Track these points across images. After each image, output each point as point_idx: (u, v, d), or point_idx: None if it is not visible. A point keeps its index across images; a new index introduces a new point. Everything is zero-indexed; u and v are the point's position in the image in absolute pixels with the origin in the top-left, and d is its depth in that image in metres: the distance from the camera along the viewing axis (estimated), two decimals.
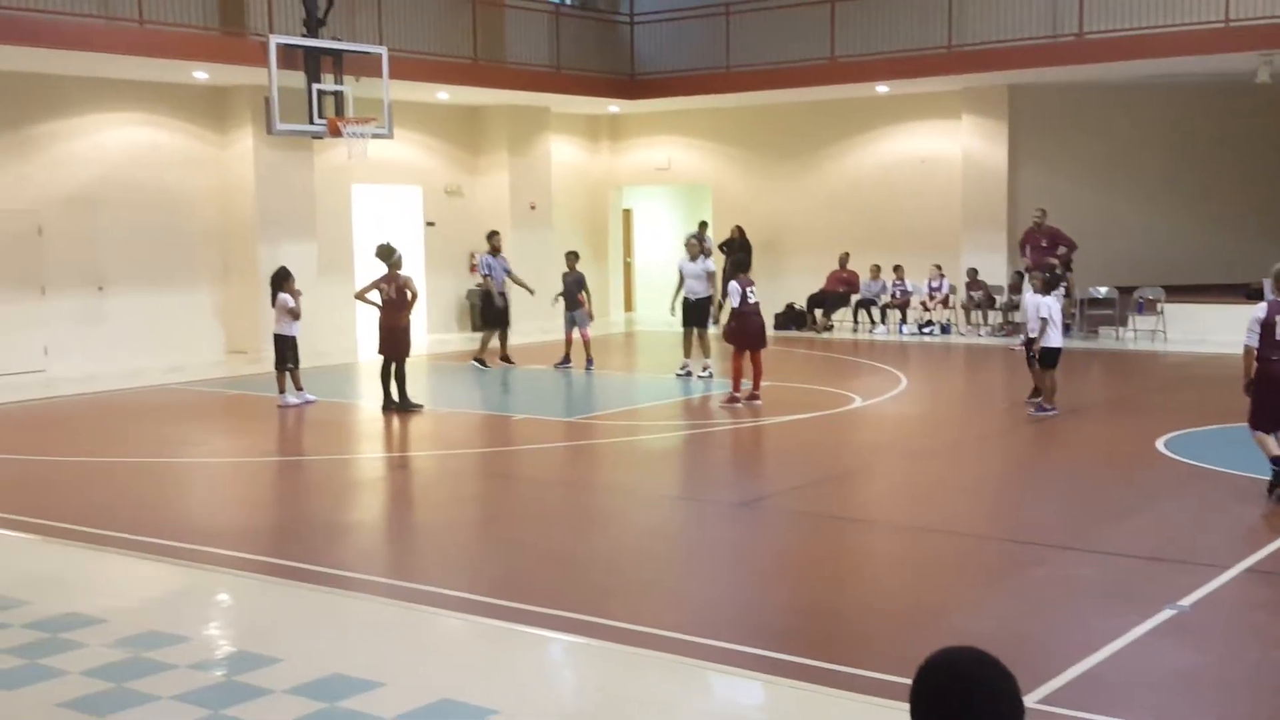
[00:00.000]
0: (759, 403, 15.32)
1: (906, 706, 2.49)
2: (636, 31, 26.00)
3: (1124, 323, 22.15)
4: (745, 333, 15.49)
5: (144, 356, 20.07)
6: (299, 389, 15.97)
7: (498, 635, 7.26)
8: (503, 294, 19.62)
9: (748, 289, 15.54)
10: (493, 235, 20.13)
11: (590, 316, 19.40)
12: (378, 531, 10.41)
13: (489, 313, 19.80)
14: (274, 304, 16.04)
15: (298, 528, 10.09)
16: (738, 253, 23.98)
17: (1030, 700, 5.63)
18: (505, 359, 19.70)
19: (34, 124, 19.12)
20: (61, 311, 19.42)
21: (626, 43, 25.94)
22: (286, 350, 15.90)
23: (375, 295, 15.52)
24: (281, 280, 16.04)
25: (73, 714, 6.09)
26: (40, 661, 6.78)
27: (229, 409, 16.56)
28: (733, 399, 15.39)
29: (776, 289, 25.46)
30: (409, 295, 15.51)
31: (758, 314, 15.66)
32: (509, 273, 19.83)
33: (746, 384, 15.58)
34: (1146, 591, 7.79)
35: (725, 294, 16.11)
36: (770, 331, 24.21)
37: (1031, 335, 14.35)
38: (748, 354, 15.55)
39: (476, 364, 19.27)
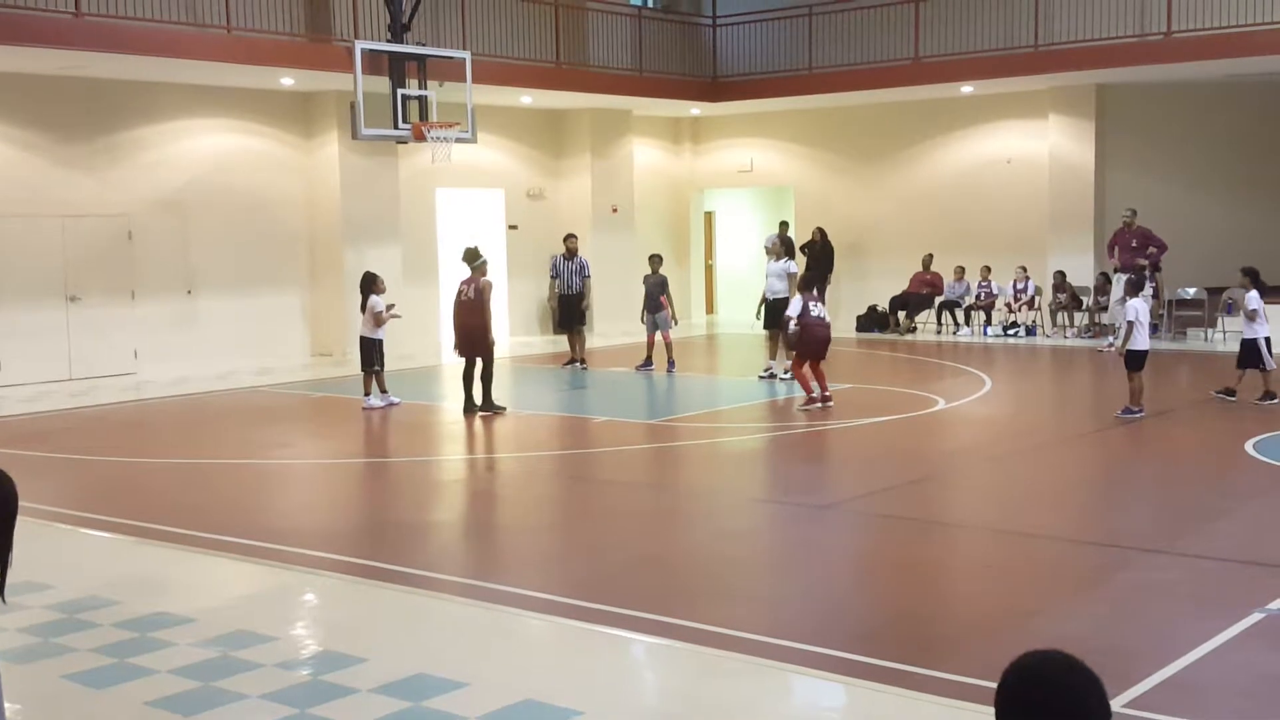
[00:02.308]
0: (832, 404, 15.25)
1: (992, 711, 2.47)
2: (718, 33, 25.99)
3: (1212, 324, 21.78)
4: (805, 342, 15.39)
5: (232, 359, 20.37)
6: (383, 391, 16.13)
7: (581, 636, 7.29)
8: (570, 296, 19.86)
9: (809, 303, 15.39)
10: (567, 239, 20.34)
11: (674, 320, 19.40)
12: (461, 533, 10.49)
13: (561, 315, 20.02)
14: (363, 308, 16.22)
15: (382, 529, 10.19)
16: (813, 261, 23.96)
17: (1116, 705, 5.56)
18: (576, 361, 19.88)
19: (125, 130, 19.49)
20: (152, 315, 19.77)
21: (708, 45, 25.94)
22: (372, 353, 16.07)
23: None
24: (370, 284, 16.22)
25: (161, 713, 6.19)
26: (130, 660, 6.90)
27: (315, 411, 16.76)
28: (810, 401, 15.28)
29: (860, 291, 25.36)
30: (485, 294, 15.42)
31: (823, 325, 15.49)
32: (585, 276, 19.90)
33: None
34: (1234, 595, 7.65)
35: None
36: (852, 334, 24.36)
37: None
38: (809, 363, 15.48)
39: (580, 365, 19.77)
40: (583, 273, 19.98)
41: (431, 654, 6.93)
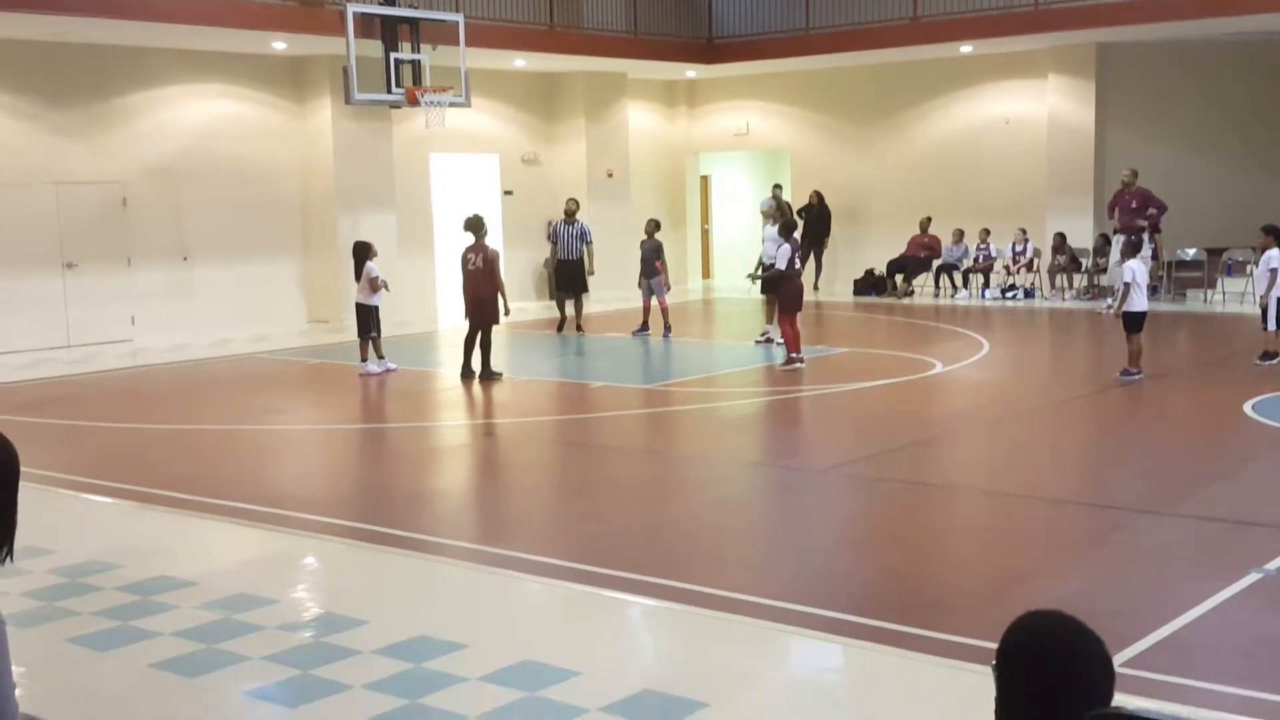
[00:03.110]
0: (803, 365, 15.43)
1: (990, 671, 2.48)
2: None
3: (1212, 285, 21.77)
4: (789, 295, 15.60)
5: (229, 326, 20.35)
6: (380, 357, 16.13)
7: (580, 599, 7.32)
8: (569, 261, 19.86)
9: (795, 254, 15.76)
10: (567, 202, 20.45)
11: (667, 286, 19.37)
12: (461, 498, 10.52)
13: (558, 280, 20.01)
14: (358, 276, 16.20)
15: (382, 494, 10.21)
16: (810, 224, 23.95)
17: (1116, 664, 5.58)
18: (576, 327, 19.88)
19: (118, 96, 19.41)
20: (148, 282, 19.74)
21: (704, 7, 25.77)
22: (369, 319, 16.06)
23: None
24: (364, 252, 16.20)
25: (165, 674, 6.23)
26: (133, 623, 6.94)
27: (312, 377, 16.76)
28: (791, 361, 15.41)
29: (857, 254, 25.31)
30: (494, 264, 15.56)
31: (800, 278, 15.91)
32: (587, 242, 19.87)
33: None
34: (1232, 556, 7.69)
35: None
36: (849, 297, 24.34)
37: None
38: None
39: (579, 331, 19.80)
40: (584, 238, 19.90)
41: (431, 616, 6.96)
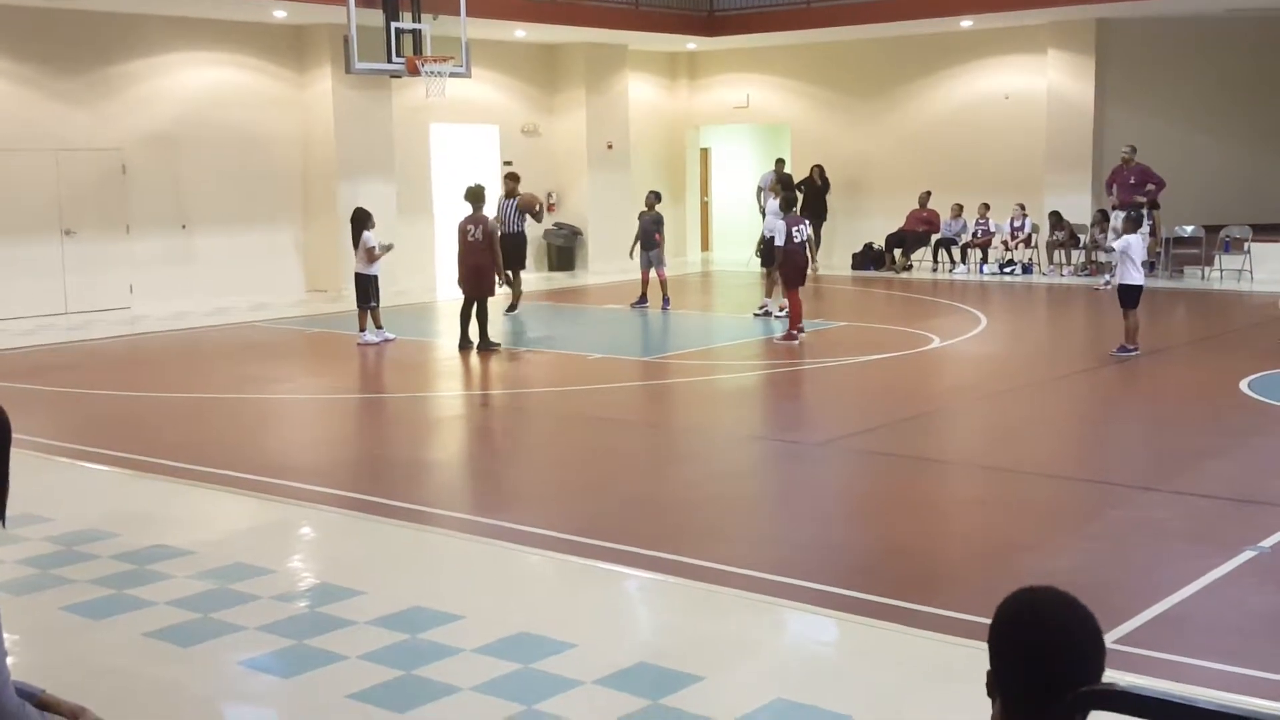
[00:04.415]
0: (801, 338, 15.54)
1: (985, 645, 2.48)
2: None
3: (1210, 262, 21.75)
4: (792, 268, 15.72)
5: (227, 294, 20.33)
6: (379, 327, 16.13)
7: (577, 571, 7.34)
8: (511, 234, 18.36)
9: (794, 228, 15.77)
10: (506, 178, 19.33)
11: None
12: (458, 469, 10.53)
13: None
14: (355, 244, 16.18)
15: (380, 464, 10.22)
16: (810, 198, 23.86)
17: (1109, 640, 5.58)
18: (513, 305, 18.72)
19: (117, 63, 19.34)
20: (146, 250, 19.71)
21: None
22: (368, 289, 16.05)
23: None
24: (362, 220, 16.18)
25: (160, 643, 6.24)
26: (128, 592, 6.95)
27: (311, 346, 16.75)
28: (792, 334, 15.54)
29: (856, 228, 25.27)
30: (494, 236, 15.55)
31: (803, 252, 15.95)
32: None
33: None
34: (1227, 533, 7.70)
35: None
36: (848, 271, 24.33)
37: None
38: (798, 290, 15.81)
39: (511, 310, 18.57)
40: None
41: (428, 587, 6.98)
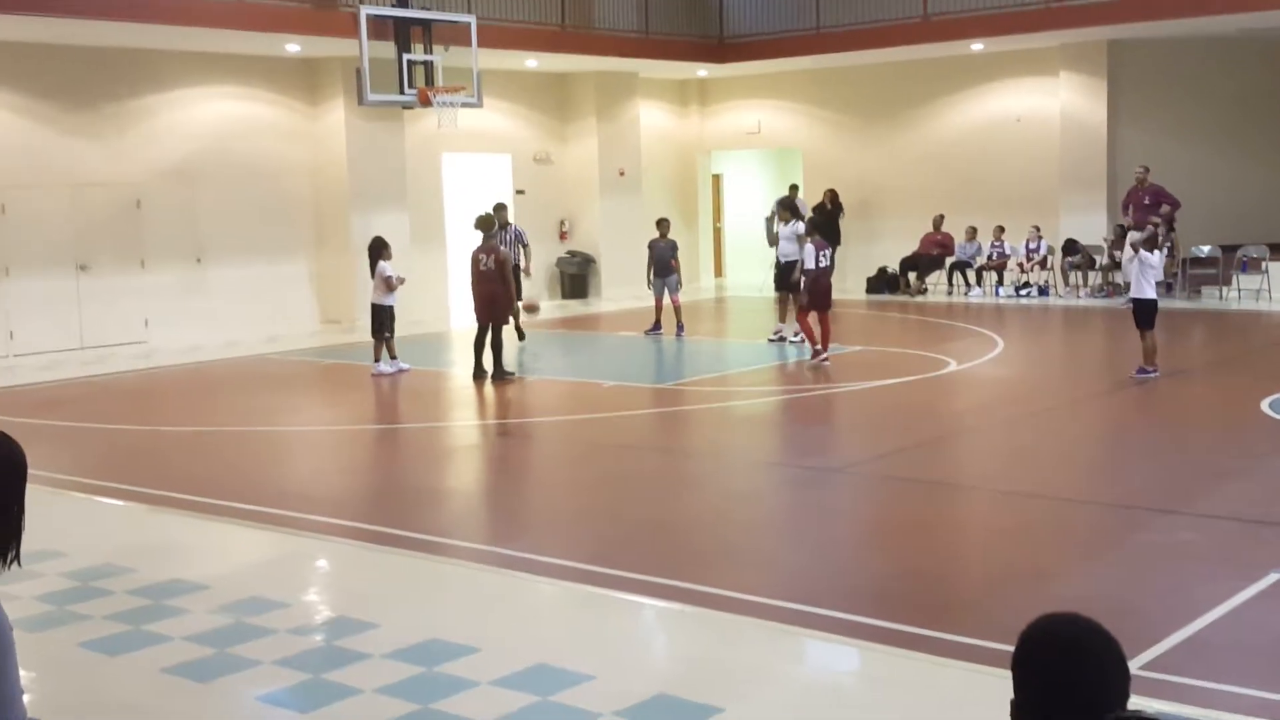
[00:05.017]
0: (828, 363, 15.58)
1: (1008, 674, 2.44)
2: None
3: (1227, 282, 21.66)
4: (813, 293, 15.74)
5: (242, 327, 20.36)
6: (393, 357, 16.13)
7: (593, 601, 7.29)
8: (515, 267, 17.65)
9: (821, 252, 15.81)
10: (496, 209, 18.03)
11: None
12: (473, 498, 10.49)
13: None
14: (373, 274, 16.21)
15: (395, 495, 10.20)
16: (823, 223, 23.85)
17: (1134, 666, 5.52)
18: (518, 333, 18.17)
19: (131, 98, 19.43)
20: (161, 283, 19.75)
21: (715, 5, 25.72)
22: (384, 319, 16.07)
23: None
24: (379, 250, 16.20)
25: (176, 679, 6.20)
26: (144, 627, 6.92)
27: (325, 378, 16.76)
28: (816, 354, 15.69)
29: (869, 252, 25.25)
30: (506, 265, 15.53)
31: (826, 274, 15.98)
32: (524, 244, 18.65)
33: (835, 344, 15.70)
34: (1251, 556, 7.63)
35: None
36: (862, 295, 24.30)
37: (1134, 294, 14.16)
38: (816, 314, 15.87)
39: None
40: (520, 240, 18.58)
41: (444, 619, 6.94)
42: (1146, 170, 21.00)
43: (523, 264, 18.59)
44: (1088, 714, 2.34)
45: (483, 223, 15.73)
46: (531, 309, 17.80)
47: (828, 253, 16.06)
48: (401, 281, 16.30)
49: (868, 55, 24.21)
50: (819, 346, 15.69)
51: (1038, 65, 23.52)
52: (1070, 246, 22.50)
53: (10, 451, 2.96)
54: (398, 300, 16.29)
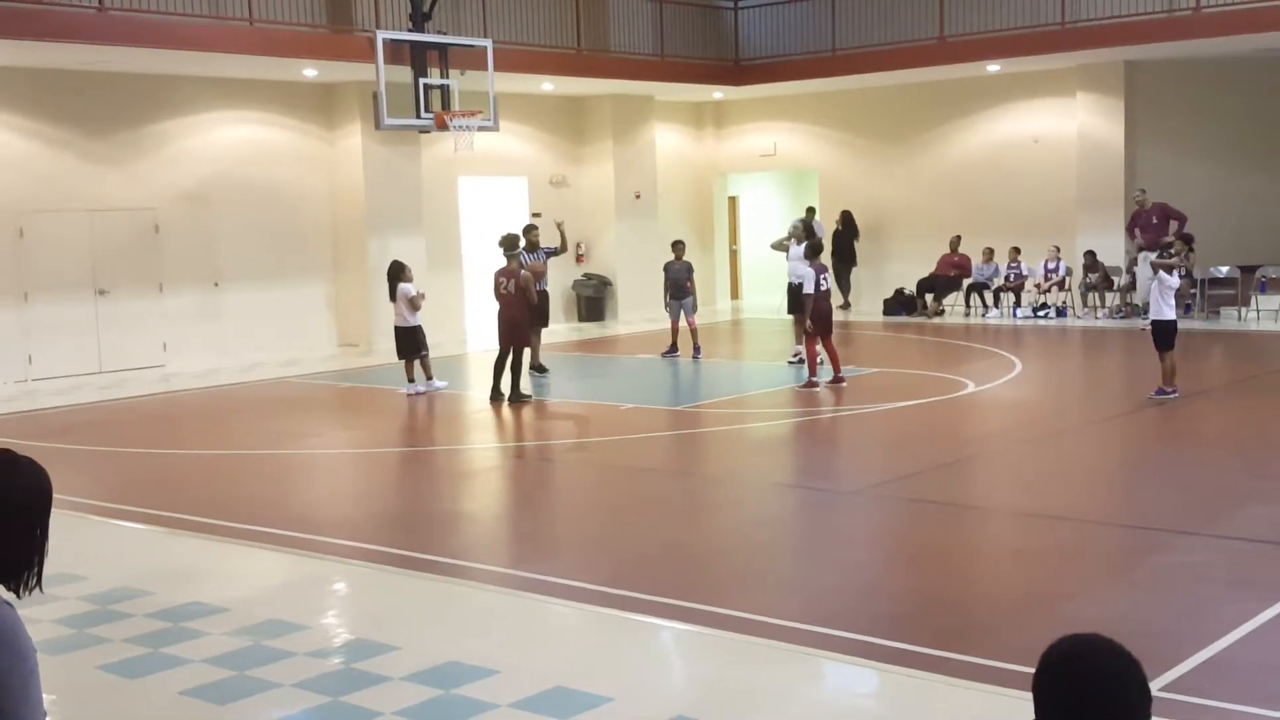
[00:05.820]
0: (845, 384, 15.59)
1: (1029, 696, 2.44)
2: (740, 16, 25.84)
3: (1246, 303, 21.59)
4: (816, 318, 15.72)
5: (260, 350, 20.42)
6: (429, 377, 16.21)
7: (611, 624, 7.28)
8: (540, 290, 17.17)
9: (821, 275, 15.84)
10: (526, 230, 17.74)
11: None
12: (491, 521, 10.49)
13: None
14: (393, 297, 16.25)
15: (412, 518, 10.20)
16: (838, 245, 23.88)
17: (1155, 688, 5.50)
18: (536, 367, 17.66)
19: (149, 124, 19.54)
20: (179, 307, 19.83)
21: (730, 28, 25.82)
22: (415, 339, 16.15)
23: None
24: (398, 273, 16.27)
25: (195, 702, 6.21)
26: (163, 650, 6.93)
27: (343, 401, 16.79)
28: (810, 384, 15.63)
29: (886, 274, 25.24)
30: (528, 288, 15.52)
31: (825, 298, 15.94)
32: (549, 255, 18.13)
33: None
34: (1271, 577, 7.60)
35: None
36: (879, 317, 24.26)
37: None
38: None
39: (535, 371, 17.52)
40: (551, 254, 18.15)
41: (462, 642, 6.93)
42: (1144, 192, 21.13)
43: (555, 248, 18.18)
44: None
45: (506, 242, 15.78)
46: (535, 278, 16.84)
47: (827, 276, 16.10)
48: (423, 297, 16.38)
49: (883, 77, 24.22)
50: (815, 379, 15.64)
51: (1054, 86, 23.52)
52: (1091, 259, 22.45)
53: (39, 480, 2.99)
54: (421, 319, 16.37)
